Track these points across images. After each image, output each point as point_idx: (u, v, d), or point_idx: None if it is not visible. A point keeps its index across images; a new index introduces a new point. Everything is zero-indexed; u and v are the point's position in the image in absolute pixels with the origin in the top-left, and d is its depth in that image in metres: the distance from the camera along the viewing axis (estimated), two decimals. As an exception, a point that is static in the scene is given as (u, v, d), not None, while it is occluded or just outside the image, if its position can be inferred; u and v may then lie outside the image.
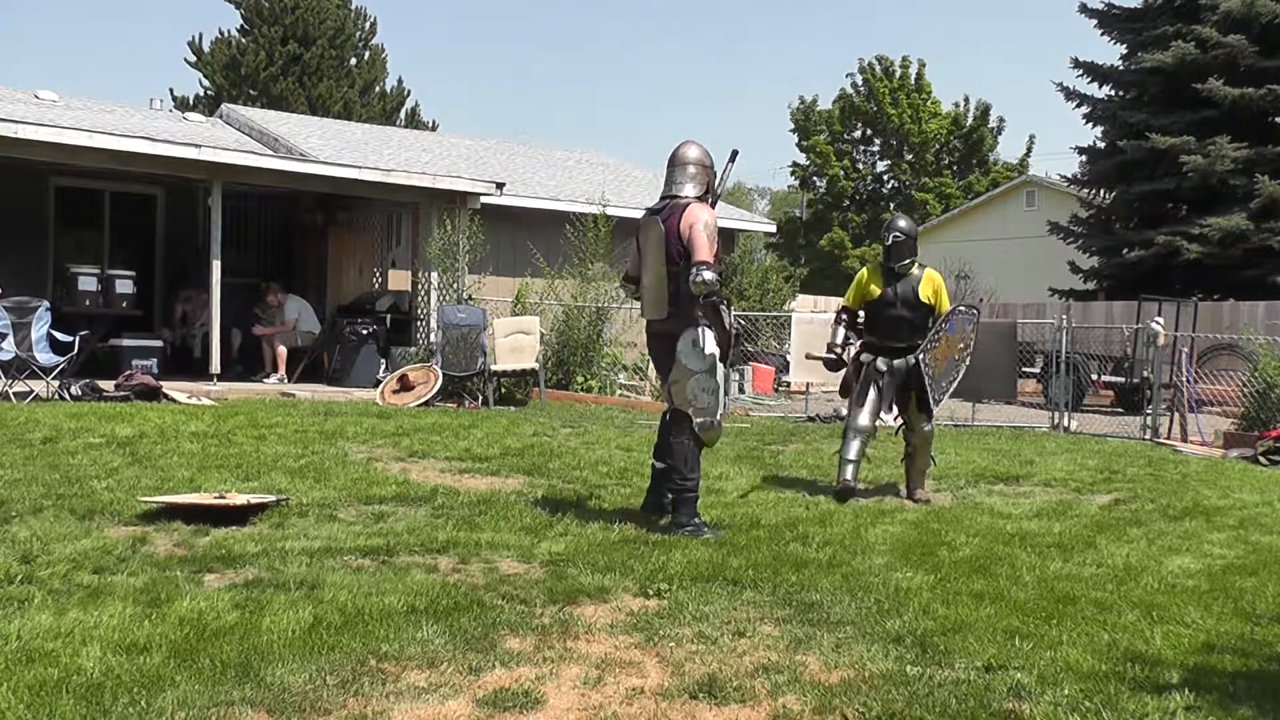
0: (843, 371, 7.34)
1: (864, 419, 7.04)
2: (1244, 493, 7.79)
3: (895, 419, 7.40)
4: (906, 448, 7.28)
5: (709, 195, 5.80)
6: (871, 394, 7.09)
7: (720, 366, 5.73)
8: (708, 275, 5.41)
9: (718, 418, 5.72)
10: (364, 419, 9.27)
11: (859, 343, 7.27)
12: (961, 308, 7.38)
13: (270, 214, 15.68)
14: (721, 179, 6.02)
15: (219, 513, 5.40)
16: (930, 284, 7.12)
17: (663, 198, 5.85)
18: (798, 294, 22.14)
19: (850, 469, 6.92)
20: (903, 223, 7.21)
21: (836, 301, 21.73)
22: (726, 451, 8.71)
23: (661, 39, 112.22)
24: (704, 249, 5.48)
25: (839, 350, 7.24)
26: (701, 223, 5.55)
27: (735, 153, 5.96)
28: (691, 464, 5.65)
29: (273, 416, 8.97)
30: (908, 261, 7.10)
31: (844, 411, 7.30)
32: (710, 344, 5.61)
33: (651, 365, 5.84)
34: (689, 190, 5.74)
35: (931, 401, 7.08)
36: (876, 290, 7.12)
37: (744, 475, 7.56)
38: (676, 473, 5.65)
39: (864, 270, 7.36)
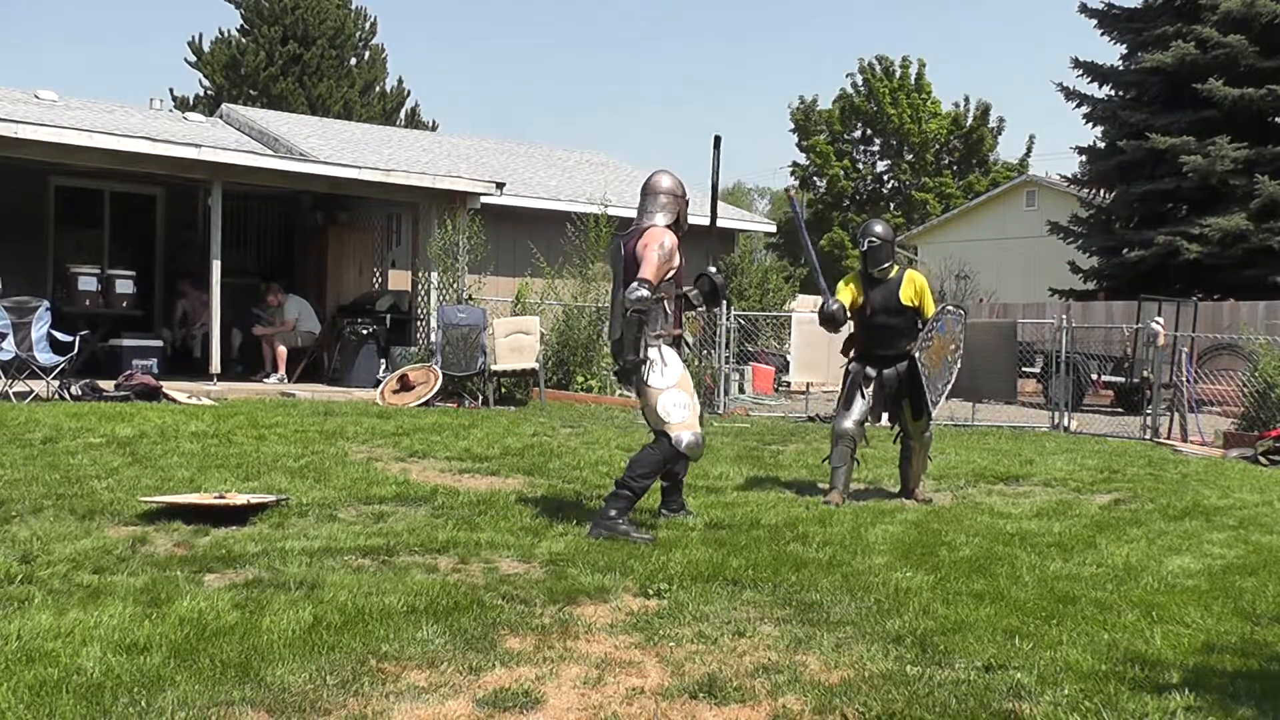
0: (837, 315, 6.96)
1: (848, 423, 6.90)
2: (1244, 493, 7.79)
3: (894, 427, 7.28)
4: (904, 451, 7.15)
5: (679, 225, 5.78)
6: (858, 399, 6.95)
7: (688, 376, 5.72)
8: (641, 293, 5.36)
9: (699, 431, 5.66)
10: (364, 419, 9.27)
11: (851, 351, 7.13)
12: (949, 308, 7.25)
13: (270, 214, 15.69)
14: (713, 169, 6.04)
15: (219, 513, 5.40)
16: (911, 285, 6.93)
17: (633, 228, 5.85)
18: (798, 294, 22.11)
19: (840, 480, 6.80)
20: (879, 227, 7.02)
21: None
22: (726, 451, 8.72)
23: (661, 39, 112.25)
24: (649, 266, 5.45)
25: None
26: (656, 243, 5.54)
27: (718, 139, 5.93)
28: (647, 470, 5.58)
29: (273, 416, 8.97)
30: (886, 266, 6.94)
31: None
32: (673, 361, 5.61)
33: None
34: (659, 219, 5.71)
35: (930, 404, 6.93)
36: (858, 300, 6.93)
37: (744, 475, 7.56)
38: (629, 470, 5.60)
39: (840, 284, 7.07)
